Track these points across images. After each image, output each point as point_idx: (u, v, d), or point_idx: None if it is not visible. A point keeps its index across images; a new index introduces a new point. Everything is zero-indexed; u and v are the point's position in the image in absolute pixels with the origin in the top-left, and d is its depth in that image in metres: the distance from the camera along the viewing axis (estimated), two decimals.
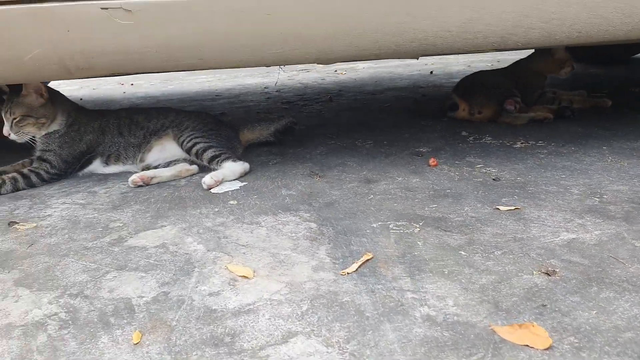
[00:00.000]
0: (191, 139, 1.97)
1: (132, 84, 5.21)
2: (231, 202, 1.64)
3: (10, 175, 1.89)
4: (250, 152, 2.20)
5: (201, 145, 1.94)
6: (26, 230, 1.52)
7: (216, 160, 1.89)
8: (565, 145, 2.00)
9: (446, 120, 2.57)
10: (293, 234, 1.35)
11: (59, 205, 1.71)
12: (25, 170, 1.92)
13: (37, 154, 1.97)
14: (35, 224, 1.56)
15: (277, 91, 4.19)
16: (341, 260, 1.19)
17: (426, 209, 1.47)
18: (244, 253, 1.26)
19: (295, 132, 2.24)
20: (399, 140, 2.25)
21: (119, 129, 2.07)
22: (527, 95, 2.53)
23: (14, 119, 1.88)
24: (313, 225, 1.40)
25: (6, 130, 1.88)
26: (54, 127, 1.97)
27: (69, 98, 2.13)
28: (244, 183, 1.82)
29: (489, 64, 4.78)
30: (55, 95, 2.00)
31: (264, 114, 3.20)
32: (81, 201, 1.75)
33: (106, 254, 1.32)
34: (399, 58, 1.77)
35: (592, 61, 4.34)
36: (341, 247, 1.26)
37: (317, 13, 1.45)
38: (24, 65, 1.56)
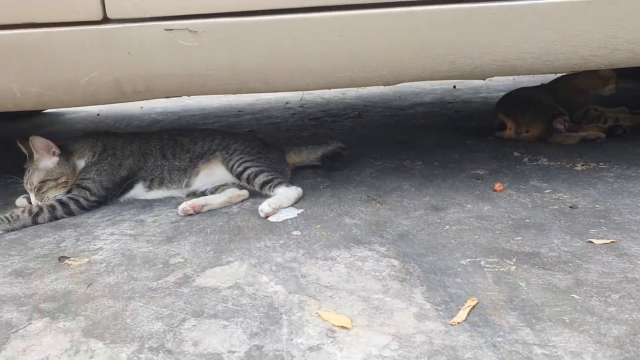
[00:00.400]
0: (241, 163, 1.87)
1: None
2: (294, 232, 1.53)
3: (48, 203, 1.78)
4: (295, 175, 2.11)
5: (252, 169, 1.84)
6: (79, 267, 1.41)
7: (268, 185, 1.79)
8: (631, 168, 1.91)
9: (491, 139, 2.48)
10: (377, 273, 1.25)
11: (107, 237, 1.60)
12: (64, 198, 1.81)
13: (77, 181, 1.86)
14: (87, 259, 1.45)
15: (300, 106, 4.11)
16: (443, 306, 1.09)
17: (512, 242, 1.37)
18: (330, 296, 1.16)
19: (344, 158, 2.14)
20: (450, 161, 2.16)
21: (162, 151, 1.97)
22: (571, 113, 2.44)
23: (35, 188, 1.79)
24: (395, 262, 1.30)
25: (34, 201, 1.79)
26: (81, 164, 1.88)
27: (94, 127, 2.03)
28: (301, 210, 1.71)
29: (510, 79, 4.72)
30: (68, 145, 1.91)
31: (295, 131, 3.11)
32: (130, 232, 1.64)
33: (176, 297, 1.21)
34: (468, 79, 1.67)
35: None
36: (437, 289, 1.16)
37: (396, 35, 1.36)
38: (79, 89, 1.46)
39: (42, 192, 1.79)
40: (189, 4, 1.37)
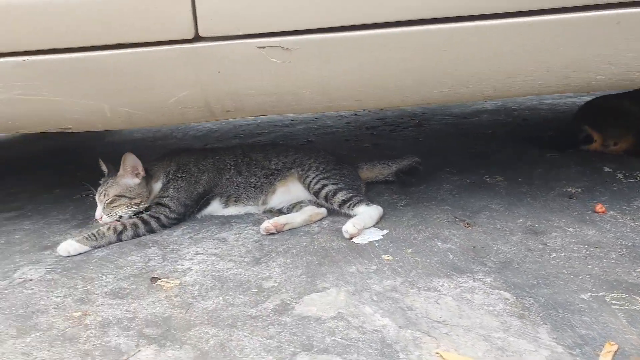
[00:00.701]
0: (318, 181, 1.83)
1: None
2: (385, 257, 1.47)
3: (131, 221, 1.79)
4: (369, 191, 2.04)
5: (330, 187, 1.79)
6: (172, 289, 1.39)
7: (348, 204, 1.74)
8: None
9: (573, 152, 2.34)
10: (490, 308, 1.17)
11: (193, 257, 1.59)
12: (145, 216, 1.81)
13: (156, 199, 1.86)
14: (178, 281, 1.43)
15: (353, 114, 4.05)
16: (577, 350, 1.00)
17: (634, 273, 1.26)
18: (446, 334, 1.09)
19: (420, 174, 2.06)
20: (534, 177, 2.05)
21: (237, 167, 1.95)
22: None
23: (107, 200, 1.80)
24: (506, 294, 1.22)
25: (98, 213, 1.79)
26: (158, 187, 1.90)
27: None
28: (385, 231, 1.65)
29: None
30: (149, 169, 1.92)
31: (354, 142, 3.05)
32: (215, 251, 1.62)
33: (279, 327, 1.16)
34: (578, 92, 1.55)
35: None
36: (563, 329, 1.07)
37: (505, 49, 1.28)
38: (167, 109, 1.45)
39: (113, 207, 1.79)
40: (283, 20, 1.33)
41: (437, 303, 1.21)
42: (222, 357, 1.07)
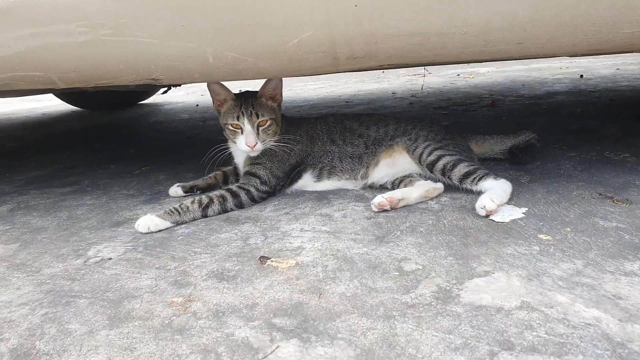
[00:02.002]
0: (432, 151, 1.56)
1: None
2: (542, 236, 1.20)
3: (217, 193, 1.54)
4: None
5: (448, 158, 1.52)
6: (289, 271, 1.14)
7: (472, 177, 1.47)
8: None
9: None
10: None
11: (299, 234, 1.34)
12: (233, 188, 1.57)
13: (246, 168, 1.61)
14: (294, 261, 1.18)
15: (412, 96, 3.77)
16: None
17: None
18: None
19: (536, 151, 1.77)
20: None
21: (330, 135, 1.69)
22: None
23: (260, 122, 1.54)
24: None
25: (252, 139, 1.52)
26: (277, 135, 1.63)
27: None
28: (524, 209, 1.38)
29: None
30: None
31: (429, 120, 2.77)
32: (324, 228, 1.36)
33: (453, 319, 0.90)
34: None
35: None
36: None
37: None
38: (284, 54, 1.19)
39: (266, 132, 1.56)
40: None
41: None
42: (394, 357, 0.82)
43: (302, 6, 1.10)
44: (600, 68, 4.35)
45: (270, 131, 1.56)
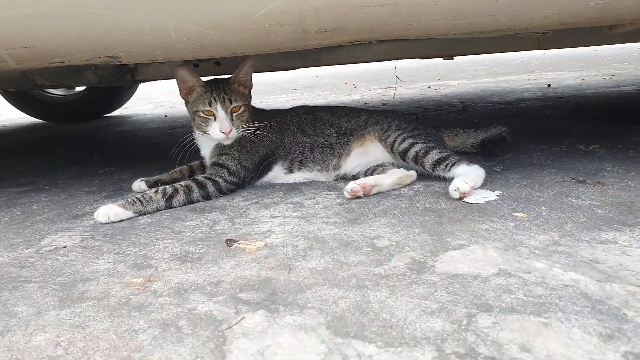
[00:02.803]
0: (404, 139, 1.54)
1: None
2: (517, 214, 1.18)
3: (183, 183, 1.48)
4: None
5: (421, 146, 1.50)
6: (258, 251, 1.08)
7: (444, 164, 1.45)
8: None
9: None
10: None
11: (269, 219, 1.28)
12: (200, 178, 1.50)
13: (213, 159, 1.55)
14: (262, 243, 1.12)
15: (383, 105, 3.79)
16: None
17: None
18: None
19: (507, 144, 1.77)
20: (635, 144, 1.79)
21: (301, 126, 1.65)
22: None
23: (234, 110, 1.50)
24: None
25: (226, 125, 1.46)
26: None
27: None
28: (497, 192, 1.36)
29: (606, 77, 4.33)
30: None
31: None
32: (295, 214, 1.31)
33: (428, 286, 0.86)
34: None
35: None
36: None
37: None
38: (250, 27, 1.16)
39: (240, 119, 1.51)
40: None
41: (627, 255, 0.92)
42: (367, 322, 0.76)
43: None
44: (567, 79, 4.48)
45: (244, 118, 1.51)
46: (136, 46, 1.20)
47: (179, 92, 1.58)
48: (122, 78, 1.99)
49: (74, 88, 3.89)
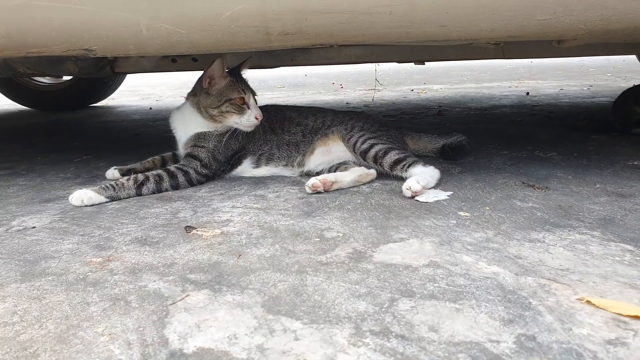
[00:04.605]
0: (365, 140, 1.61)
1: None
2: (461, 213, 1.26)
3: (155, 172, 1.54)
4: None
5: (380, 147, 1.58)
6: (214, 238, 1.15)
7: (402, 164, 1.53)
8: None
9: (617, 135, 2.20)
10: (617, 258, 0.97)
11: (229, 210, 1.35)
12: (171, 168, 1.57)
13: (187, 150, 1.62)
14: (219, 231, 1.19)
15: (365, 106, 3.87)
16: None
17: None
18: (580, 280, 0.88)
19: (467, 153, 1.86)
20: (589, 153, 1.88)
21: (270, 124, 1.72)
22: None
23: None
24: (628, 247, 1.02)
25: (259, 112, 1.59)
26: None
27: None
28: (449, 192, 1.45)
29: (584, 88, 4.46)
30: None
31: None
32: (255, 205, 1.38)
33: (362, 273, 0.94)
34: None
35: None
36: None
37: None
38: (217, 27, 1.22)
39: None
40: None
41: (549, 253, 1.00)
42: (299, 302, 0.84)
43: None
44: (547, 88, 4.60)
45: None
46: (110, 40, 1.26)
47: (202, 81, 1.59)
48: (102, 70, 2.04)
49: (61, 77, 3.93)
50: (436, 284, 0.89)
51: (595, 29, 1.21)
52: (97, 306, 0.86)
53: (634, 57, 4.17)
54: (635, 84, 2.38)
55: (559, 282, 0.88)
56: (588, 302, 0.80)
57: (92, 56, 1.32)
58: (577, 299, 0.81)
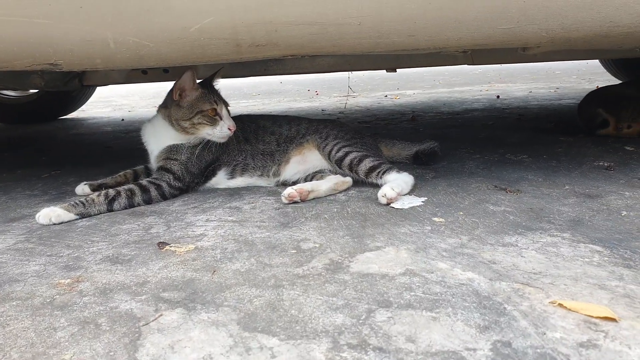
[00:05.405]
0: (340, 148, 1.62)
1: None
2: (435, 219, 1.27)
3: (126, 187, 1.51)
4: None
5: (355, 154, 1.59)
6: (188, 254, 1.13)
7: (376, 172, 1.54)
8: None
9: (583, 136, 2.27)
10: (587, 259, 0.99)
11: (204, 224, 1.33)
12: (143, 182, 1.54)
13: (160, 163, 1.59)
14: (193, 246, 1.17)
15: (340, 112, 3.89)
16: None
17: None
18: (552, 284, 0.89)
19: (438, 159, 1.88)
20: (559, 155, 1.93)
21: (244, 134, 1.71)
22: None
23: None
24: (596, 247, 1.05)
25: (232, 123, 1.58)
26: None
27: None
28: (423, 198, 1.46)
29: (551, 90, 4.58)
30: None
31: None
32: (230, 218, 1.37)
33: (339, 285, 0.93)
34: None
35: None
36: None
37: None
38: (186, 40, 1.21)
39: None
40: None
41: (522, 256, 1.02)
42: (276, 318, 0.83)
43: None
44: (516, 91, 4.71)
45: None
46: (76, 55, 1.23)
47: (172, 93, 1.57)
48: (70, 83, 1.99)
49: (28, 90, 3.82)
50: (413, 293, 0.89)
51: (556, 37, 1.24)
52: (64, 331, 0.83)
53: (597, 60, 4.31)
54: (599, 87, 2.45)
55: (532, 285, 0.89)
56: (560, 305, 0.81)
57: (58, 70, 1.28)
58: (549, 302, 0.82)
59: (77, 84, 2.06)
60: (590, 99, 2.38)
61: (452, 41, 1.24)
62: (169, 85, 1.74)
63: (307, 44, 1.24)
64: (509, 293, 0.87)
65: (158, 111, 1.66)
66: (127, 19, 1.17)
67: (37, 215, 1.38)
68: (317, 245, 1.13)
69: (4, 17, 1.15)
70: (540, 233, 1.14)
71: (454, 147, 2.18)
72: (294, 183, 1.67)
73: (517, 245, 1.08)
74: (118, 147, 2.73)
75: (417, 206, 1.39)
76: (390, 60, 2.07)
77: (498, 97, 4.33)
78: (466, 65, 2.15)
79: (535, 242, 1.09)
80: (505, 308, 0.82)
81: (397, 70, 2.35)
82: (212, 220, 1.35)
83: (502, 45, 1.26)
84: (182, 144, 1.59)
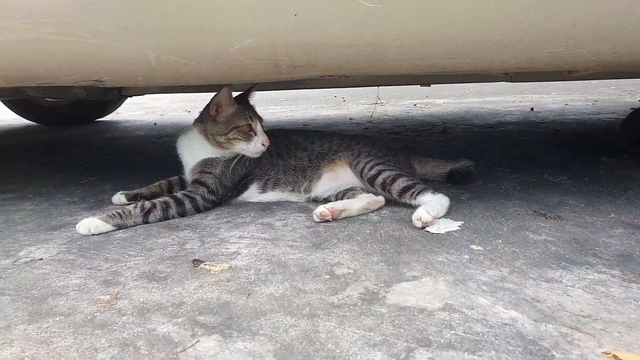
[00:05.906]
0: (373, 166, 1.60)
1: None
2: (473, 247, 1.24)
3: (161, 199, 1.52)
4: None
5: (388, 173, 1.56)
6: (222, 273, 1.13)
7: (410, 192, 1.51)
8: None
9: (626, 157, 2.18)
10: (639, 302, 0.94)
11: (237, 240, 1.33)
12: (178, 195, 1.55)
13: (194, 176, 1.60)
14: (227, 265, 1.17)
15: (368, 122, 3.86)
16: None
17: None
18: (603, 330, 0.85)
19: (474, 179, 1.84)
20: (601, 178, 1.86)
21: (277, 149, 1.71)
22: None
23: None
24: None
25: (267, 139, 1.59)
26: None
27: None
28: (460, 222, 1.42)
29: (589, 103, 4.44)
30: None
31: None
32: (263, 235, 1.36)
33: (376, 318, 0.91)
34: None
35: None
36: None
37: None
38: (226, 59, 1.21)
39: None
40: None
41: (568, 295, 0.98)
42: (312, 352, 0.81)
43: (244, 13, 1.13)
44: (551, 103, 4.58)
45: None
46: (120, 72, 1.26)
47: (209, 109, 1.58)
48: (109, 93, 2.04)
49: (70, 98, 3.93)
50: (453, 331, 0.86)
51: (607, 61, 1.19)
52: (105, 353, 0.83)
53: None
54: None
55: (582, 331, 0.85)
56: (615, 357, 0.77)
57: (101, 86, 1.31)
58: (602, 352, 0.79)
59: (116, 94, 2.11)
60: (636, 117, 2.29)
61: (495, 64, 1.21)
62: (200, 94, 1.75)
63: (345, 65, 1.23)
64: (557, 338, 0.83)
65: (194, 125, 1.67)
66: (170, 39, 1.18)
67: (77, 226, 1.41)
68: (351, 272, 1.12)
69: (54, 37, 1.18)
70: (587, 268, 1.10)
71: (488, 165, 2.13)
72: (325, 200, 1.66)
73: (561, 282, 1.04)
74: (151, 153, 2.78)
75: (454, 231, 1.36)
76: (425, 77, 2.04)
77: (532, 109, 4.22)
78: None
79: (582, 279, 1.05)
80: (553, 356, 0.79)
81: (430, 85, 2.31)
82: (245, 237, 1.35)
83: (548, 69, 1.23)
84: (216, 157, 1.60)
